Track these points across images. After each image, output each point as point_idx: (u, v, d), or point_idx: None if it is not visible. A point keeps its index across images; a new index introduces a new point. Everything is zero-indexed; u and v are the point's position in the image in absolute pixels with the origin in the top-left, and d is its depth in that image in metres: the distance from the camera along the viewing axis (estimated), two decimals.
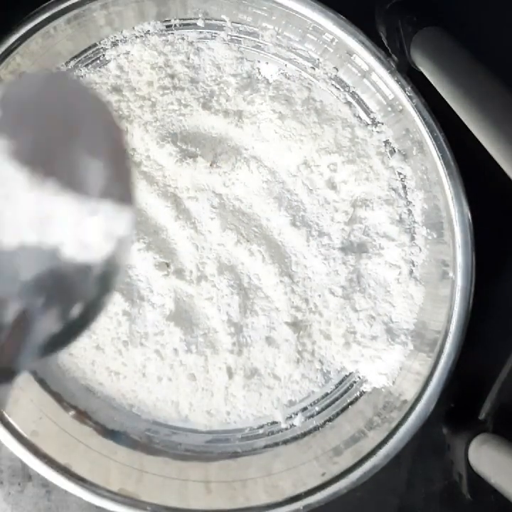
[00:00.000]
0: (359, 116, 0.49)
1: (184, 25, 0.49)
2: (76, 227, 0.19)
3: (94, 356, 0.47)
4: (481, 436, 0.47)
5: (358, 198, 0.49)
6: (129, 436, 0.48)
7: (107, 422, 0.48)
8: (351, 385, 0.49)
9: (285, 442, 0.48)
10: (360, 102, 0.49)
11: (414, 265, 0.48)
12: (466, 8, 0.49)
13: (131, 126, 0.47)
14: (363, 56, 0.45)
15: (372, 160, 0.48)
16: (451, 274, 0.44)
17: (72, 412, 0.47)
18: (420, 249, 0.48)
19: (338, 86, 0.49)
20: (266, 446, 0.48)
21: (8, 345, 0.19)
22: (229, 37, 0.49)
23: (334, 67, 0.49)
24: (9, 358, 0.19)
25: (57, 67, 0.48)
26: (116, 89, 0.48)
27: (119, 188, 0.20)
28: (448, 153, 0.43)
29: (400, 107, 0.45)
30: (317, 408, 0.49)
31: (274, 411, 0.48)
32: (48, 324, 0.20)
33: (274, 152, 0.48)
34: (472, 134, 0.36)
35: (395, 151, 0.48)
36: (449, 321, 0.43)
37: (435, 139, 0.43)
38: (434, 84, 0.41)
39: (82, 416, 0.47)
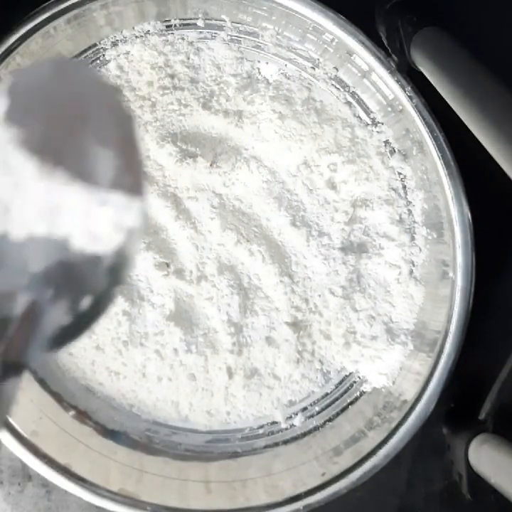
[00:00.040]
0: (359, 116, 0.49)
1: (184, 25, 0.49)
2: (85, 218, 0.19)
3: (94, 356, 0.47)
4: (481, 436, 0.47)
5: (358, 198, 0.49)
6: (129, 436, 0.48)
7: (107, 422, 0.48)
8: (351, 385, 0.49)
9: (285, 442, 0.48)
10: (360, 102, 0.49)
11: (414, 265, 0.48)
12: (466, 8, 0.49)
13: None
14: (363, 56, 0.45)
15: (372, 160, 0.48)
16: (451, 274, 0.44)
17: (72, 412, 0.47)
18: (420, 249, 0.48)
19: (338, 86, 0.49)
20: (266, 446, 0.48)
21: (16, 338, 0.19)
22: (229, 37, 0.49)
23: (334, 67, 0.49)
24: (18, 351, 0.19)
25: None
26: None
27: (130, 178, 0.20)
28: (448, 153, 0.43)
29: (400, 107, 0.45)
30: (317, 408, 0.49)
31: (274, 411, 0.48)
32: (57, 316, 0.19)
33: (274, 152, 0.48)
34: (472, 134, 0.36)
35: (395, 151, 0.48)
36: (449, 321, 0.43)
37: (435, 139, 0.43)
38: (434, 84, 0.41)
39: (82, 416, 0.47)
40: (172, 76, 0.49)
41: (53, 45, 0.46)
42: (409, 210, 0.48)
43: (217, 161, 0.48)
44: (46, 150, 0.19)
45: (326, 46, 0.47)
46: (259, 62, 0.50)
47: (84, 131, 0.19)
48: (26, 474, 0.49)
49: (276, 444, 0.48)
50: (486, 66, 0.37)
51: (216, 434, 0.48)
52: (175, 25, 0.49)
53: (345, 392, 0.49)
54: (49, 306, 0.19)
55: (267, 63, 0.50)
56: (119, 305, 0.46)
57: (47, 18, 0.43)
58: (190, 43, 0.49)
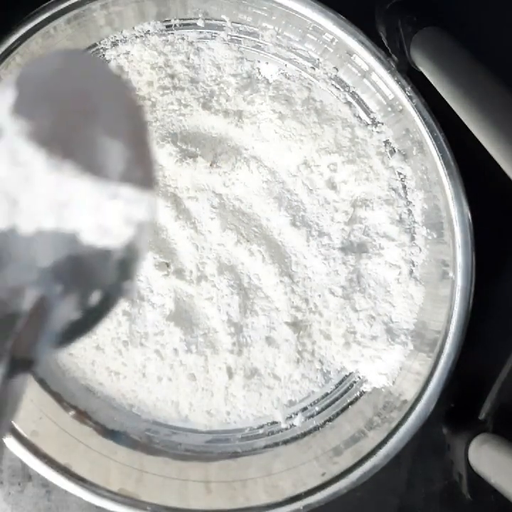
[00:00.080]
0: (359, 116, 0.49)
1: (184, 25, 0.49)
2: (95, 212, 0.19)
3: (94, 356, 0.47)
4: (481, 436, 0.47)
5: (358, 198, 0.49)
6: (129, 436, 0.47)
7: (107, 422, 0.48)
8: (351, 385, 0.49)
9: (285, 442, 0.48)
10: (360, 102, 0.49)
11: (414, 265, 0.48)
12: (466, 8, 0.49)
13: None
14: (363, 56, 0.45)
15: (372, 160, 0.48)
16: (451, 274, 0.44)
17: (72, 412, 0.47)
18: (420, 249, 0.48)
19: (338, 86, 0.49)
20: (266, 446, 0.48)
21: (25, 334, 0.18)
22: (229, 37, 0.49)
23: (334, 67, 0.49)
24: (26, 346, 0.18)
25: None
26: None
27: (140, 171, 0.19)
28: (448, 153, 0.43)
29: (400, 107, 0.45)
30: (317, 408, 0.49)
31: (274, 411, 0.48)
32: (66, 311, 0.19)
33: (274, 152, 0.48)
34: (472, 134, 0.36)
35: (395, 151, 0.48)
36: (449, 321, 0.43)
37: (435, 139, 0.43)
38: (434, 84, 0.41)
39: (82, 416, 0.47)
40: (172, 76, 0.49)
41: (53, 45, 0.46)
42: (409, 210, 0.48)
43: (217, 161, 0.48)
44: (55, 142, 0.18)
45: (326, 46, 0.47)
46: (259, 62, 0.50)
47: (94, 123, 0.19)
48: (26, 474, 0.49)
49: (276, 444, 0.48)
50: (486, 66, 0.37)
51: (216, 434, 0.48)
52: (175, 25, 0.49)
53: (345, 392, 0.49)
54: (58, 302, 0.19)
55: (267, 63, 0.50)
56: (119, 305, 0.46)
57: (47, 18, 0.43)
58: (190, 43, 0.49)
